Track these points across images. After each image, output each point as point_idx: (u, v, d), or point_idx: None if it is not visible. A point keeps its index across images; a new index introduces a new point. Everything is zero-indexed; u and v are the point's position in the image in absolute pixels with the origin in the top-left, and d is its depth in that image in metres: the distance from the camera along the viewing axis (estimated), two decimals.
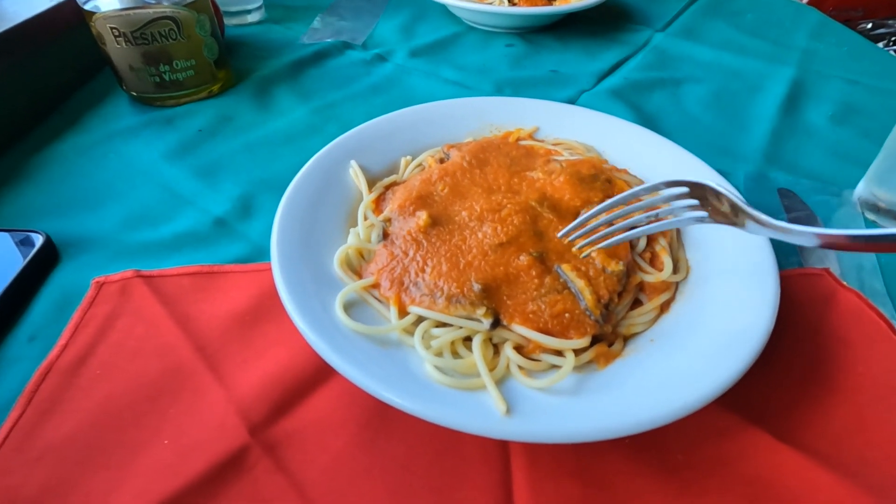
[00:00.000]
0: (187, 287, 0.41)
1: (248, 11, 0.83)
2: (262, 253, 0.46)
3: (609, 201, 0.37)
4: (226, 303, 0.40)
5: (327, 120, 0.64)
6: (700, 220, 0.34)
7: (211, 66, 0.63)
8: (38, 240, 0.43)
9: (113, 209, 0.50)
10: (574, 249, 0.37)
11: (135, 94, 0.62)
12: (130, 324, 0.38)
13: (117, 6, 0.54)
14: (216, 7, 0.68)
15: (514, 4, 0.81)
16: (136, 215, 0.49)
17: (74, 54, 0.65)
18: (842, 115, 0.68)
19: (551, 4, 0.82)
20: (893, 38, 1.35)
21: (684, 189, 0.35)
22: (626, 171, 0.46)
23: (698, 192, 0.34)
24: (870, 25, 1.37)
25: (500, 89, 0.71)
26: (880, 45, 1.31)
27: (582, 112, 0.53)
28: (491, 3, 0.82)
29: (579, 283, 0.35)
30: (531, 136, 0.51)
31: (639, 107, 0.67)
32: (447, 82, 0.72)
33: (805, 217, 0.50)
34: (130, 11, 0.54)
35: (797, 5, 1.01)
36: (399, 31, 0.85)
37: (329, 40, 0.79)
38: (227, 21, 0.80)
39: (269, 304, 0.40)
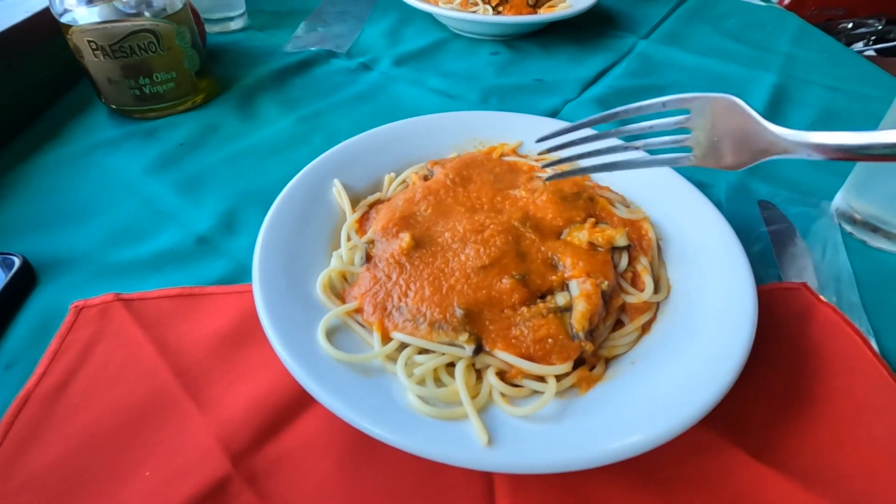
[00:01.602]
0: (168, 310, 0.41)
1: (231, 18, 0.82)
2: (245, 271, 0.45)
3: (602, 114, 0.36)
4: (207, 326, 0.40)
5: (313, 130, 0.63)
6: (678, 160, 0.34)
7: (192, 78, 0.62)
8: (15, 263, 0.42)
9: (93, 226, 0.49)
10: (538, 170, 0.35)
11: (114, 106, 0.61)
12: (110, 349, 0.38)
13: (95, 19, 0.53)
14: (197, 16, 0.67)
15: (499, 12, 0.81)
16: (117, 233, 0.49)
17: (51, 65, 0.64)
18: (822, 122, 0.68)
19: (535, 12, 0.82)
20: (873, 38, 1.36)
21: (684, 115, 0.33)
22: (608, 189, 0.46)
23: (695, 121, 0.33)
24: (850, 25, 1.39)
25: (486, 98, 0.71)
26: (860, 44, 1.33)
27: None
28: (476, 11, 0.81)
29: (577, 291, 0.35)
30: (515, 152, 0.51)
31: None
32: (433, 91, 0.72)
33: (785, 229, 0.51)
34: (108, 24, 0.53)
35: (777, 10, 1.02)
36: (384, 38, 0.84)
37: (313, 49, 0.78)
38: (209, 28, 0.78)
39: (251, 325, 0.39)
